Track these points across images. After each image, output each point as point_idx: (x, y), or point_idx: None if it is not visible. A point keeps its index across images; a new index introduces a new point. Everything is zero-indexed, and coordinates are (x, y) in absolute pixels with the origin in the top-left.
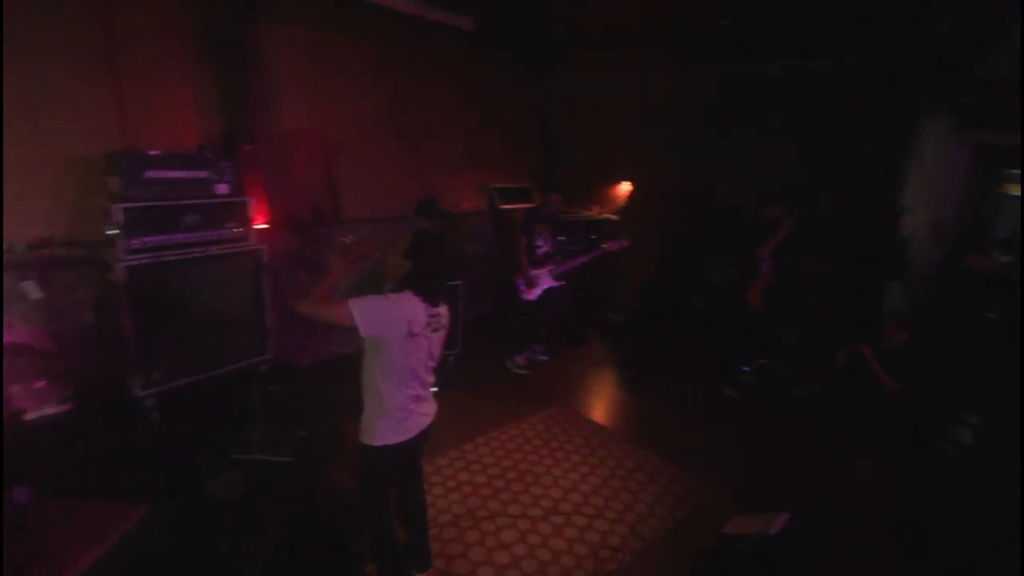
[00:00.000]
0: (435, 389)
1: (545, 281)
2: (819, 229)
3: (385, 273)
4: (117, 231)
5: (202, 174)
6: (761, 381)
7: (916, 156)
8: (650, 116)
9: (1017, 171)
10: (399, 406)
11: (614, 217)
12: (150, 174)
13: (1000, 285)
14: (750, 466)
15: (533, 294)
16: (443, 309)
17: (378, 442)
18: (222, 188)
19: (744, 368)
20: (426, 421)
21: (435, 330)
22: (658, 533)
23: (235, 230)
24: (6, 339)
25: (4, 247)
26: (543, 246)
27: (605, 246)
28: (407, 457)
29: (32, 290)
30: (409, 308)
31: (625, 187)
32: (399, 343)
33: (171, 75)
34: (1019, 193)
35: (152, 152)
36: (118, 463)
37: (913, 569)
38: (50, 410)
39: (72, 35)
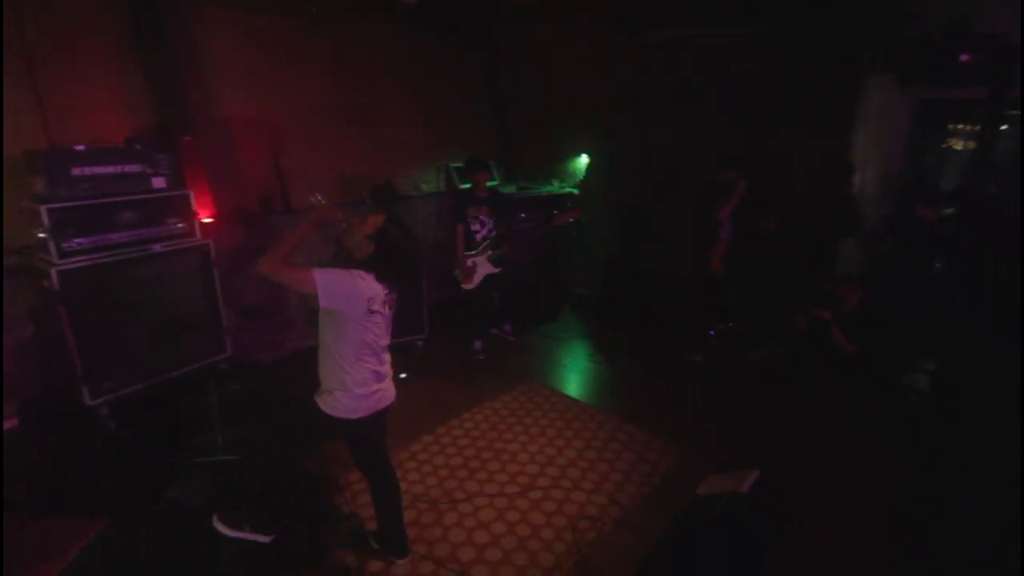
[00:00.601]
0: (403, 376)
1: (483, 268)
2: (773, 191)
3: (347, 246)
4: (45, 234)
5: (135, 168)
6: (724, 345)
7: (861, 114)
8: (601, 87)
9: (962, 126)
10: (359, 381)
11: (574, 191)
12: (77, 171)
13: (944, 236)
14: (720, 428)
15: (472, 283)
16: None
17: (343, 415)
18: (159, 182)
19: (710, 332)
20: (386, 400)
21: (391, 307)
22: (636, 500)
23: (178, 225)
24: None
25: None
26: (481, 230)
27: (556, 219)
28: (369, 435)
29: None
30: (368, 286)
31: (583, 160)
32: (357, 319)
33: (93, 66)
34: (960, 148)
35: (77, 148)
36: (74, 476)
37: (891, 537)
38: None
39: None
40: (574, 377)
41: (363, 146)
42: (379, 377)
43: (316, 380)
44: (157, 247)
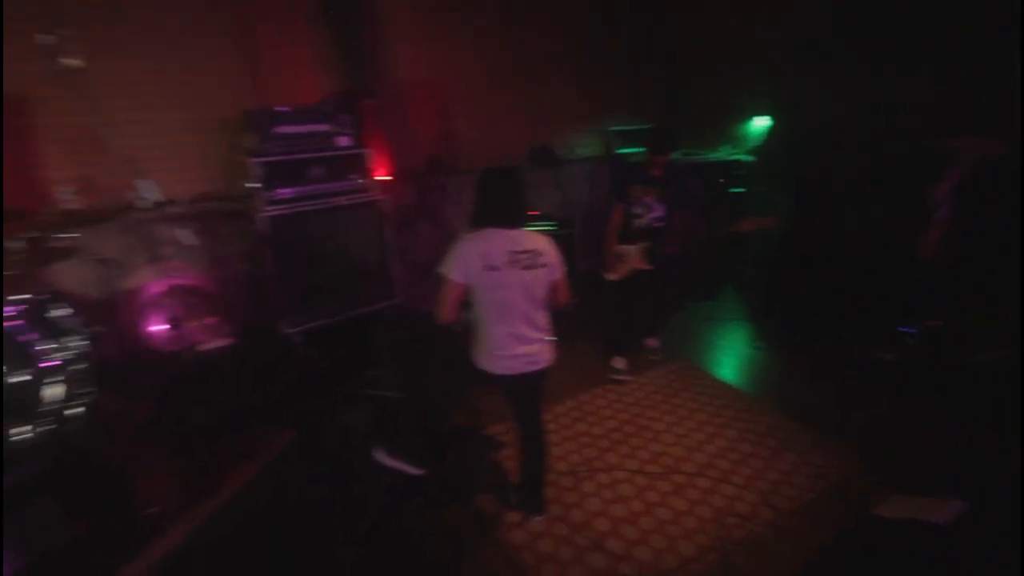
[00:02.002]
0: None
1: (634, 261)
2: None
3: None
4: (258, 184)
5: (324, 127)
6: (926, 345)
7: None
8: (784, 35)
9: None
10: (496, 343)
11: (746, 158)
12: (279, 129)
13: None
14: (908, 441)
15: (617, 275)
16: (539, 246)
17: (478, 365)
18: (343, 140)
19: (904, 329)
20: (535, 365)
21: (527, 267)
22: (793, 505)
23: (358, 181)
24: (182, 282)
25: (167, 201)
26: (643, 215)
27: (742, 226)
28: (511, 391)
29: (185, 237)
30: (483, 243)
31: (761, 123)
32: (478, 277)
33: (296, 34)
34: None
35: (279, 108)
36: (272, 390)
37: None
38: (218, 343)
39: (209, 3)
40: (731, 362)
41: (524, 108)
42: (523, 340)
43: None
44: (341, 200)
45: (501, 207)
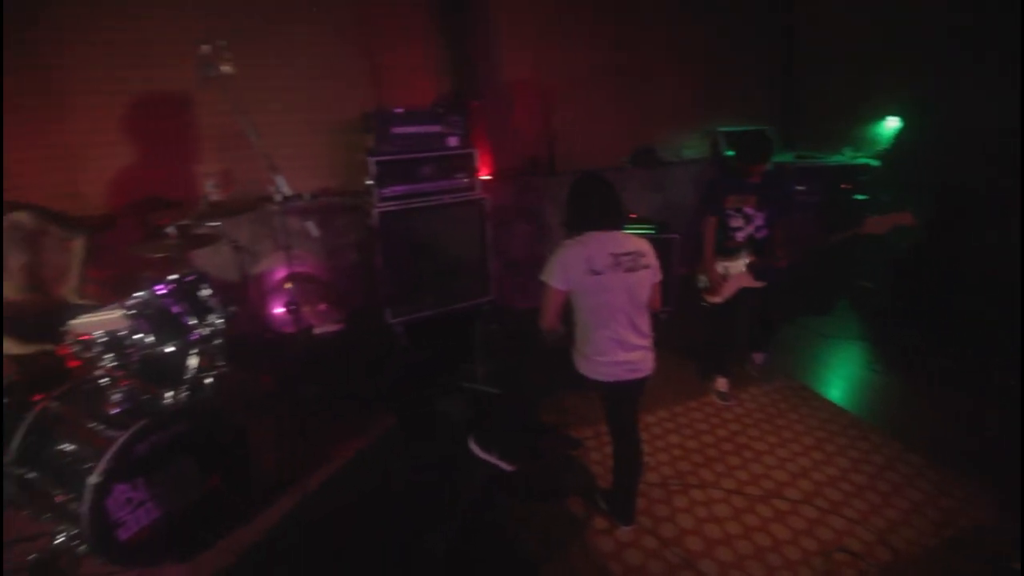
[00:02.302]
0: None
1: (739, 279)
2: None
3: None
4: (372, 181)
5: (436, 129)
6: None
7: None
8: (920, 27)
9: None
10: (598, 348)
11: (872, 163)
12: (396, 130)
13: None
14: None
15: (721, 296)
16: (641, 247)
17: (579, 369)
18: (452, 141)
19: None
20: (638, 372)
21: (629, 269)
22: (915, 549)
23: (463, 180)
24: (301, 269)
25: (296, 196)
26: (743, 227)
27: (870, 226)
28: (609, 397)
29: (312, 229)
30: (585, 247)
31: (891, 123)
32: (581, 282)
33: (411, 39)
34: None
35: (397, 110)
36: (375, 376)
37: None
38: (330, 328)
39: (336, 12)
40: (844, 384)
41: (628, 107)
42: (626, 347)
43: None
44: (446, 198)
45: (599, 210)
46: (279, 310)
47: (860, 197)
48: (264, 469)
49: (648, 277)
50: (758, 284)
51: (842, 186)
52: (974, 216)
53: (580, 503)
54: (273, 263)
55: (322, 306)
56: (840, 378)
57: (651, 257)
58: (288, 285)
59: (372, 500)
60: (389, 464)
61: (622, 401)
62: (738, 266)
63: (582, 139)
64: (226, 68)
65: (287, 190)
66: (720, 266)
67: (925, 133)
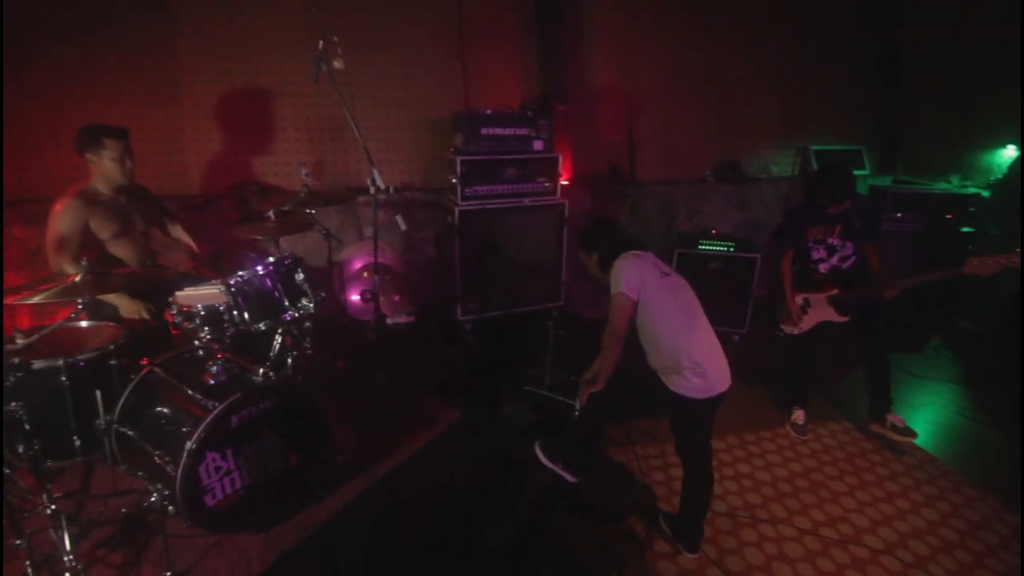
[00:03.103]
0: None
1: (820, 311)
2: None
3: None
4: (456, 180)
5: (523, 131)
6: None
7: None
8: None
9: None
10: (694, 358)
11: (982, 193)
12: (484, 131)
13: None
14: None
15: (800, 329)
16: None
17: (673, 389)
18: (538, 144)
19: None
20: (723, 384)
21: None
22: None
23: (545, 184)
24: (380, 260)
25: (384, 189)
26: (827, 259)
27: (972, 266)
28: (693, 416)
29: (401, 223)
30: (643, 259)
31: (1008, 152)
32: (656, 285)
33: (502, 41)
34: None
35: (487, 111)
36: (441, 369)
37: None
38: (401, 319)
39: (435, 11)
40: (935, 429)
41: (714, 119)
42: (718, 349)
43: (628, 346)
44: (527, 201)
45: (625, 236)
46: (356, 298)
47: (966, 229)
48: (338, 451)
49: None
50: (841, 319)
51: (947, 216)
52: None
53: (641, 523)
54: (355, 252)
55: (396, 297)
56: (930, 422)
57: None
58: (367, 274)
59: (436, 493)
60: (454, 459)
61: (705, 418)
62: (820, 299)
63: (664, 149)
64: (337, 63)
65: (381, 183)
66: (800, 298)
67: None
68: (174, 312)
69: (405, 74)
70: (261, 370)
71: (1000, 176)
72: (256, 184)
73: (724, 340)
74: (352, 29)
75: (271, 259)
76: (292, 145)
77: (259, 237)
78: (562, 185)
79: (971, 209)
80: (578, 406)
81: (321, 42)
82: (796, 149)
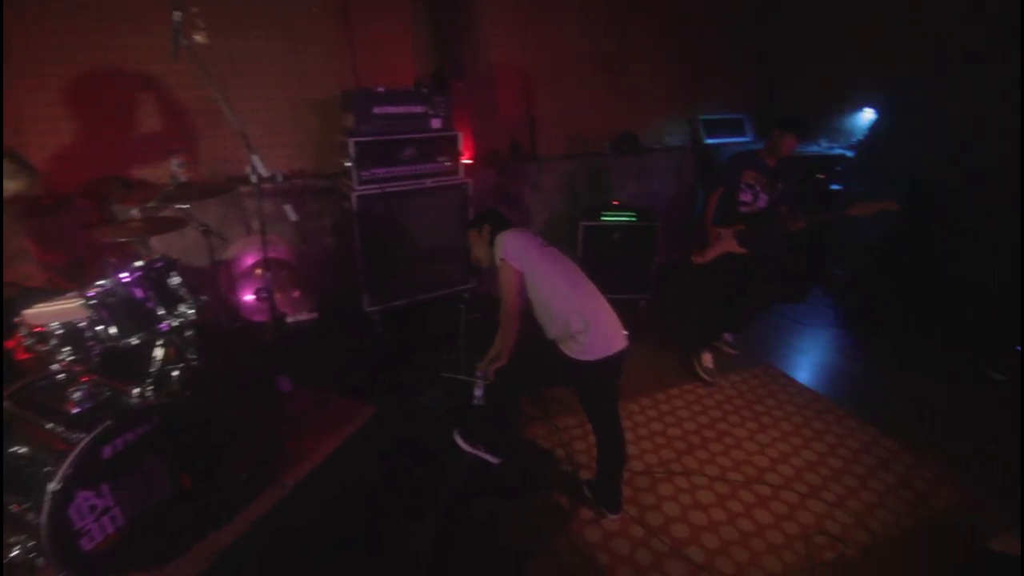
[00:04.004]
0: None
1: (725, 243)
2: None
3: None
4: (351, 163)
5: (419, 109)
6: None
7: None
8: (896, 21)
9: None
10: (586, 321)
11: (846, 153)
12: (378, 110)
13: None
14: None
15: (705, 257)
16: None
17: (574, 356)
18: (436, 123)
19: (1019, 348)
20: (623, 340)
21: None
22: (891, 530)
23: (446, 164)
24: (273, 255)
25: (270, 177)
26: (751, 203)
27: (857, 209)
28: (599, 381)
29: (290, 213)
30: (521, 232)
31: (866, 115)
32: (538, 256)
33: (392, 13)
34: None
35: (379, 89)
36: (351, 365)
37: None
38: (303, 316)
39: None
40: (820, 370)
41: (611, 93)
42: (607, 308)
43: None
44: (428, 182)
45: (506, 218)
46: (249, 297)
47: (834, 187)
48: (239, 466)
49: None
50: (741, 251)
51: (817, 176)
52: (944, 207)
53: (565, 496)
54: (244, 248)
55: (296, 293)
56: (816, 363)
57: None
58: (260, 271)
59: (353, 495)
60: (370, 457)
61: (608, 382)
62: (728, 232)
63: (564, 125)
64: (199, 38)
65: (263, 171)
66: (716, 231)
67: (898, 125)
68: (24, 334)
69: (286, 50)
70: (137, 390)
71: (861, 137)
72: (119, 179)
73: (631, 306)
74: (224, 3)
75: (138, 263)
76: (160, 132)
77: (124, 239)
78: (464, 164)
79: (838, 168)
80: (481, 384)
81: (178, 13)
82: (687, 120)
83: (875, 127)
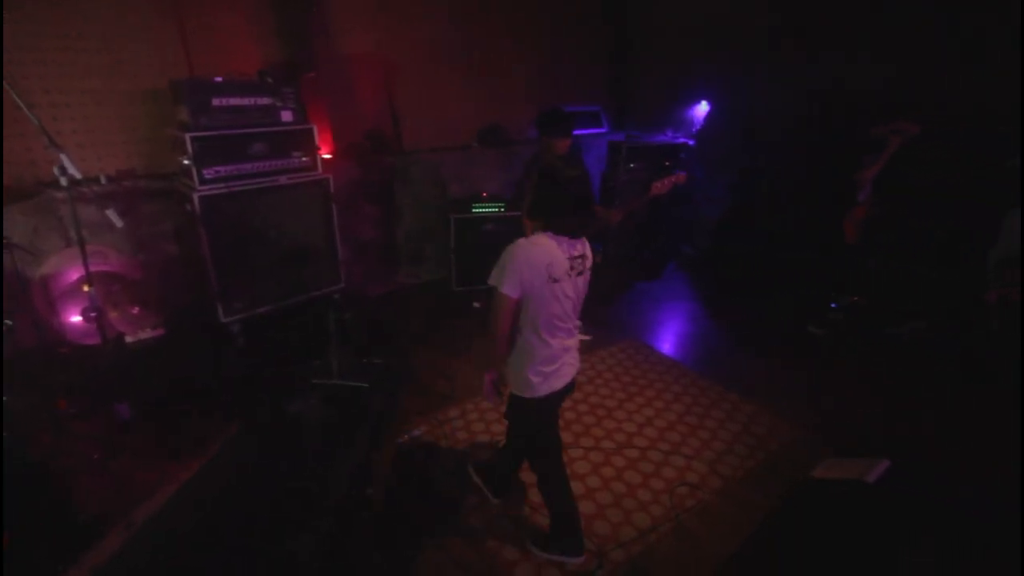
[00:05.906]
0: (586, 337)
1: None
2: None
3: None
4: (189, 162)
5: (266, 101)
6: (851, 319)
7: None
8: (726, 18)
9: None
10: (547, 358)
11: (688, 142)
12: (217, 102)
13: None
14: (838, 409)
15: None
16: (586, 250)
17: (528, 394)
18: (286, 115)
19: (832, 305)
20: (572, 372)
21: (579, 273)
22: (738, 472)
23: (302, 159)
24: (102, 267)
25: (93, 179)
26: None
27: (655, 188)
28: (546, 415)
29: (115, 219)
30: (545, 252)
31: (702, 108)
32: (539, 291)
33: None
34: None
35: (216, 79)
36: (209, 384)
37: None
38: (145, 334)
39: None
40: (675, 340)
41: (476, 86)
42: (566, 351)
43: (418, 316)
44: (283, 179)
45: (572, 216)
46: (76, 318)
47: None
48: (77, 510)
49: (587, 280)
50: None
51: (665, 163)
52: (768, 191)
53: (452, 484)
54: (65, 262)
55: (135, 309)
56: (671, 334)
57: (590, 258)
58: (86, 288)
59: (219, 512)
60: (236, 477)
61: (558, 405)
62: None
63: (430, 117)
64: None
65: (76, 172)
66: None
67: (728, 116)
68: None
69: (104, 35)
70: None
71: (699, 127)
72: None
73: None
74: None
75: None
76: None
77: None
78: (324, 159)
79: (682, 156)
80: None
81: None
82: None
83: (708, 118)
